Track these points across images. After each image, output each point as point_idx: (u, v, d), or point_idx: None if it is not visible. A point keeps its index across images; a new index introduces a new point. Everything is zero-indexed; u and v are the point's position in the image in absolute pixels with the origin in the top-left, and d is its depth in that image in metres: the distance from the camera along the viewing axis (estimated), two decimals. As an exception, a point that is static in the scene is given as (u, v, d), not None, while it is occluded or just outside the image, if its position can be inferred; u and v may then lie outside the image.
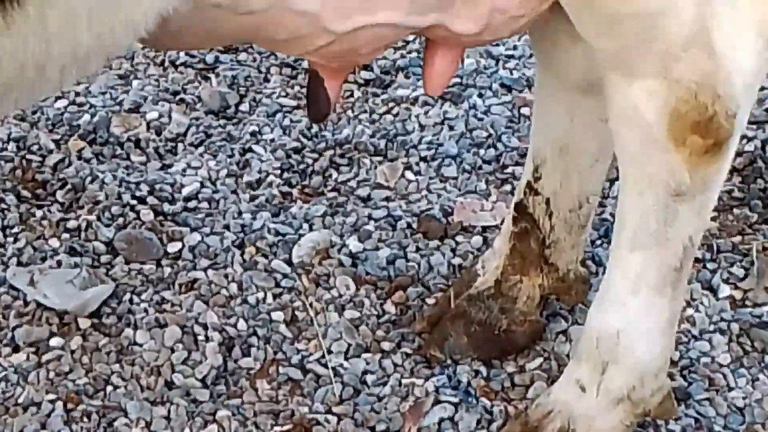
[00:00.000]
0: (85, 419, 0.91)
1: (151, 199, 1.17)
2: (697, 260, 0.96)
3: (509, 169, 1.23)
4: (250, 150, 1.28)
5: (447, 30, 0.71)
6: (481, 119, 1.32)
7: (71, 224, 1.14)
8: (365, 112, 1.35)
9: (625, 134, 0.73)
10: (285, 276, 1.07)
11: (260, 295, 1.05)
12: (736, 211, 1.16)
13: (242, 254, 1.10)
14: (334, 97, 0.80)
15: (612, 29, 0.67)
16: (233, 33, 0.69)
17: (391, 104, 1.35)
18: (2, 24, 0.52)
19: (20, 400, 0.92)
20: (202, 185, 1.20)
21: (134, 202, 1.16)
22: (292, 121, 1.34)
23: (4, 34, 0.53)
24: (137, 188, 1.18)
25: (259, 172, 1.25)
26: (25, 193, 1.19)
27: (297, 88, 1.38)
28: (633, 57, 0.69)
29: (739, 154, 1.11)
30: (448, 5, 0.69)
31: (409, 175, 1.24)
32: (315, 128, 1.30)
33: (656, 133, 0.70)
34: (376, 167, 1.25)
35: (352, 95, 1.38)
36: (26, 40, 0.54)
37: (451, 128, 1.31)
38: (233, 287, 1.05)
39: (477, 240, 1.12)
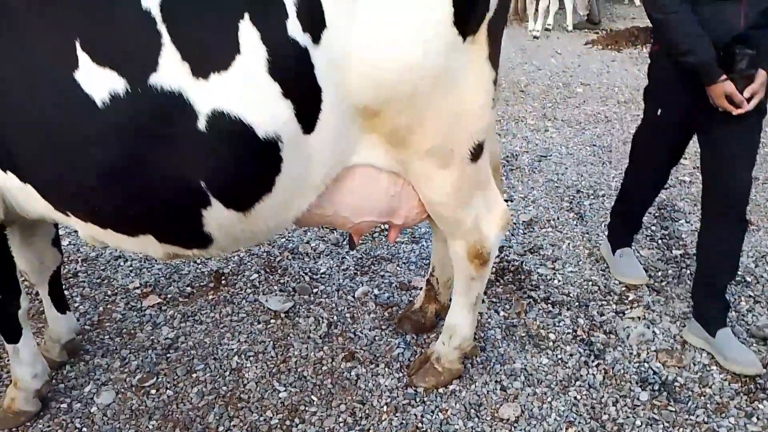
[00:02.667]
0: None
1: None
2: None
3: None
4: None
5: (393, 223, 2.36)
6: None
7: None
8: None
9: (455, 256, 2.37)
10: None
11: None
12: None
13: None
14: (357, 240, 2.45)
15: (446, 229, 2.31)
16: (313, 224, 2.40)
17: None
18: (242, 216, 1.95)
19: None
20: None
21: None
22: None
23: (243, 222, 2.03)
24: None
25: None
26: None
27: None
28: (453, 233, 2.25)
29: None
30: (393, 212, 2.31)
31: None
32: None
33: (463, 257, 2.33)
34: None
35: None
36: (255, 224, 2.04)
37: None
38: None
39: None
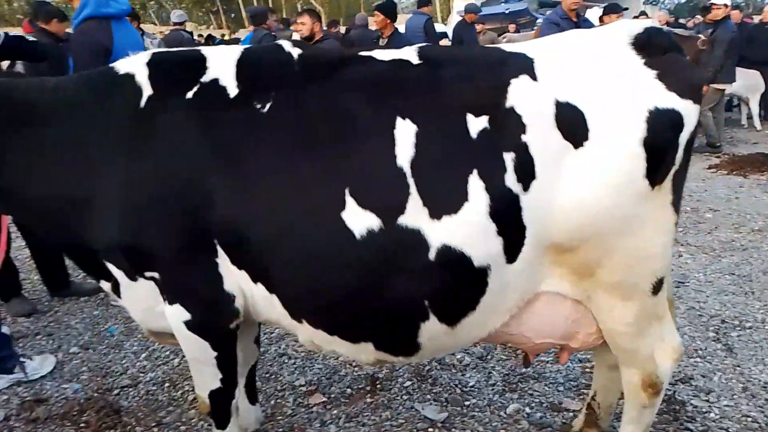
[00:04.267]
0: None
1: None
2: None
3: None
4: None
5: (569, 346, 2.50)
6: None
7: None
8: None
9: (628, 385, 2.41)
10: None
11: None
12: None
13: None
14: (531, 360, 2.60)
15: (622, 358, 2.38)
16: (496, 340, 2.57)
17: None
18: (449, 330, 2.24)
19: None
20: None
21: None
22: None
23: (449, 334, 2.24)
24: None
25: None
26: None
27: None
28: (628, 362, 2.33)
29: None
30: (572, 336, 2.45)
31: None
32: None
33: (636, 385, 2.40)
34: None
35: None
36: (456, 336, 2.23)
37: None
38: None
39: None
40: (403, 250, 1.83)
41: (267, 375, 3.32)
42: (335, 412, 2.99)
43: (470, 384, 3.21)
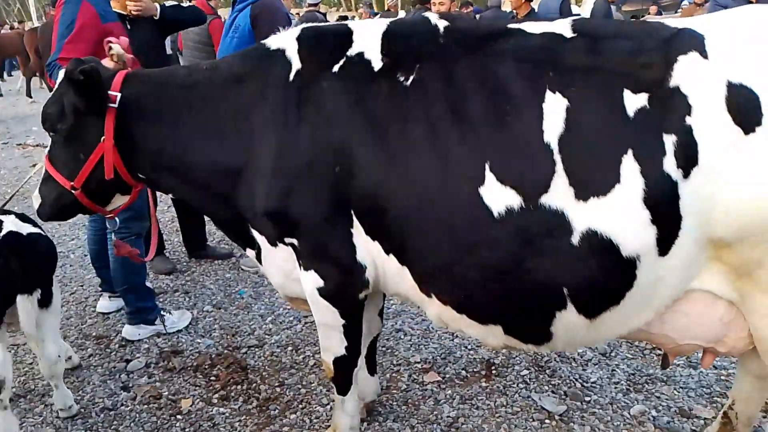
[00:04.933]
0: None
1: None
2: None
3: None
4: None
5: (715, 350, 2.29)
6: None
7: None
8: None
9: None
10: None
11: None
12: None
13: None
14: (671, 361, 2.40)
15: None
16: (635, 338, 2.42)
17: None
18: (588, 322, 2.12)
19: None
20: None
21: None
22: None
23: (586, 327, 2.14)
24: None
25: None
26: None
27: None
28: None
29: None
30: (719, 340, 2.21)
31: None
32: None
33: None
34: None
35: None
36: (594, 331, 2.13)
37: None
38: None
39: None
40: (544, 232, 1.75)
41: (384, 349, 3.38)
42: (449, 392, 2.99)
43: (591, 380, 3.08)
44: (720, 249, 1.80)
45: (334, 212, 2.01)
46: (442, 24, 2.03)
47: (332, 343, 2.32)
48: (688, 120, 1.68)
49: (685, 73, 1.70)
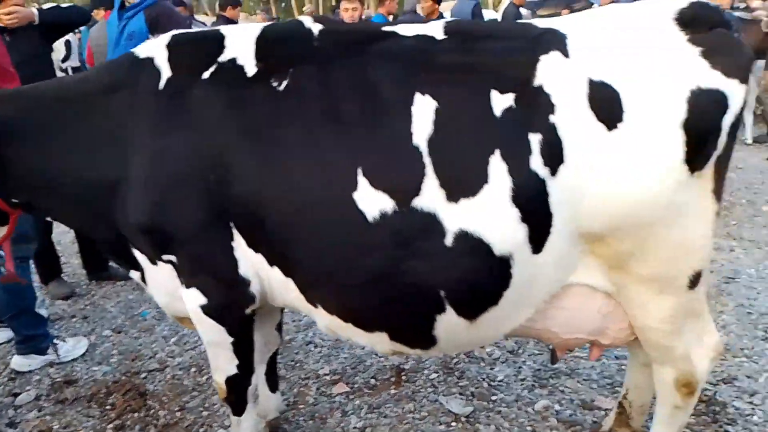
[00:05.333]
0: None
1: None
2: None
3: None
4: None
5: (599, 342, 2.37)
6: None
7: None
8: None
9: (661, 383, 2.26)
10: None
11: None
12: None
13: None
14: (560, 356, 2.47)
15: (655, 355, 2.25)
16: (520, 335, 2.46)
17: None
18: (468, 324, 2.16)
19: None
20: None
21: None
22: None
23: (468, 329, 2.16)
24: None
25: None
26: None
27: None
28: (662, 360, 2.16)
29: None
30: (602, 332, 2.32)
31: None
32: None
33: (670, 385, 2.26)
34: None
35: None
36: (476, 331, 2.15)
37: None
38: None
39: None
40: (418, 235, 1.73)
41: (292, 363, 3.29)
42: (357, 402, 2.93)
43: (499, 378, 3.10)
44: (593, 243, 1.83)
45: (211, 224, 1.92)
46: (316, 28, 1.99)
47: (222, 362, 2.22)
48: (552, 118, 1.70)
49: (548, 72, 1.73)
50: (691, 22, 1.78)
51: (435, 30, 1.89)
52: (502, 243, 1.72)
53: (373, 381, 3.10)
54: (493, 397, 2.94)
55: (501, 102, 1.73)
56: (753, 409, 2.82)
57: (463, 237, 1.72)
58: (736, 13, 8.87)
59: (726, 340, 3.43)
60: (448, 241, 1.72)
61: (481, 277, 1.77)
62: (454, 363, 3.24)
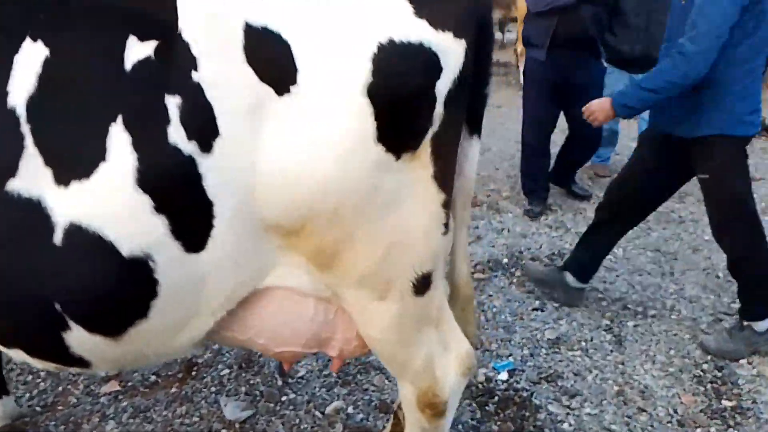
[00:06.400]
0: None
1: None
2: None
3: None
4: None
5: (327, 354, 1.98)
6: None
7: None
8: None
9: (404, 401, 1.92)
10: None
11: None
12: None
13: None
14: (287, 369, 2.09)
15: (391, 369, 1.92)
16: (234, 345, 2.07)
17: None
18: (113, 342, 1.68)
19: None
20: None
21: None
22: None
23: (118, 346, 1.73)
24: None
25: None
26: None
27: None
28: (400, 375, 1.79)
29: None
30: (325, 343, 1.82)
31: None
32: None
33: (412, 404, 1.91)
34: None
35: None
36: (134, 348, 1.76)
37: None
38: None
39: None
40: (19, 230, 1.30)
41: (72, 354, 2.87)
42: (124, 403, 2.54)
43: (300, 374, 2.74)
44: (289, 237, 1.44)
45: None
46: None
47: None
48: (196, 76, 1.27)
49: (188, 12, 1.29)
50: None
51: None
52: (129, 240, 1.31)
53: (153, 378, 2.71)
54: (283, 398, 2.59)
55: (136, 52, 1.29)
56: (567, 414, 2.54)
57: (77, 232, 1.29)
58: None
59: (565, 330, 3.16)
60: (58, 238, 1.30)
61: (108, 285, 1.35)
62: (257, 356, 2.87)
